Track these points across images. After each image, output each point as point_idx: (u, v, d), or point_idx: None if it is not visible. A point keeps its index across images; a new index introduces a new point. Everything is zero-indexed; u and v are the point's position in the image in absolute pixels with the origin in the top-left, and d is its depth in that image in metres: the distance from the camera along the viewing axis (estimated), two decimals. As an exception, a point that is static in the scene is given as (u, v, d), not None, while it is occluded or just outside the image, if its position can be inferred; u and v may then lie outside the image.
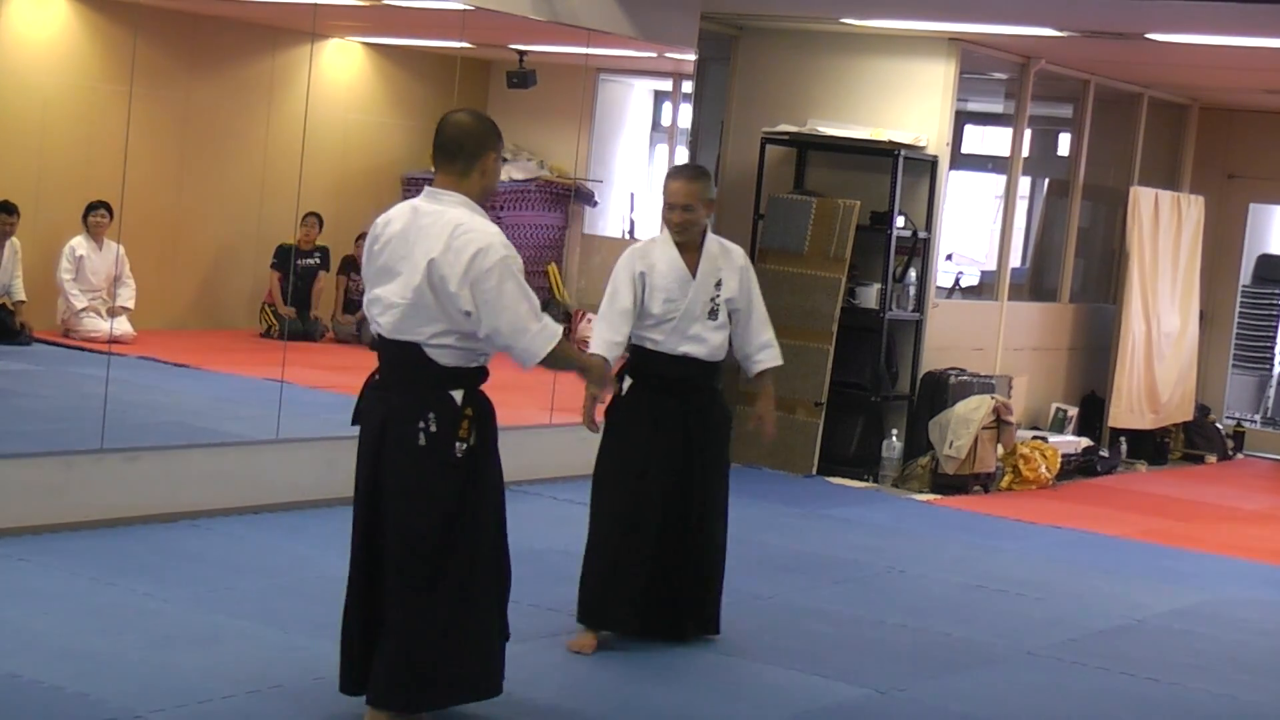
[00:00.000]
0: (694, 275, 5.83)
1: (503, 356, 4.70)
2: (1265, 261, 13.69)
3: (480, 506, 4.64)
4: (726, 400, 6.23)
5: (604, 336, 5.74)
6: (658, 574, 5.79)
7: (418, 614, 4.56)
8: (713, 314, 5.85)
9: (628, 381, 5.86)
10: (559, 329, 4.63)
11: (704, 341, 5.85)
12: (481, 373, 4.67)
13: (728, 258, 5.95)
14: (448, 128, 4.66)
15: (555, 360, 4.63)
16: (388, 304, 4.59)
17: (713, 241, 5.94)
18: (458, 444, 4.55)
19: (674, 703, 5.26)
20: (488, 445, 4.67)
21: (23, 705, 4.61)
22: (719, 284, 5.88)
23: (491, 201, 4.89)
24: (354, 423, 4.83)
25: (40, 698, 4.67)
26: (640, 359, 5.86)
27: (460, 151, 4.62)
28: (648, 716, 5.11)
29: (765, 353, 6.04)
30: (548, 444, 8.74)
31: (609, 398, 5.71)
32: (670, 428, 5.81)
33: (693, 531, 5.85)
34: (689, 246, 5.87)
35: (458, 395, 4.58)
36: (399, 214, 4.67)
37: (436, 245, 4.50)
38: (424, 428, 4.55)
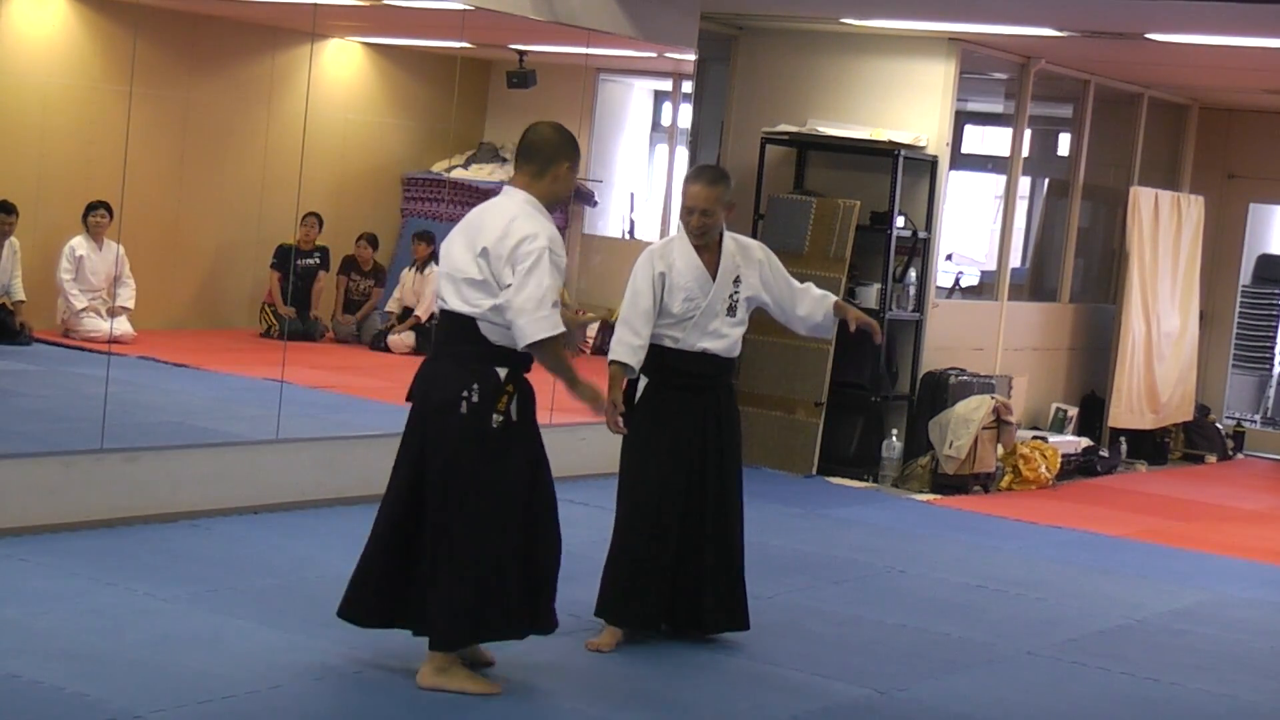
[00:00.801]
0: (714, 275, 5.84)
1: None
2: (1265, 261, 13.69)
3: (509, 477, 5.05)
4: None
5: (626, 340, 5.74)
6: (681, 569, 5.82)
7: (444, 562, 5.01)
8: (731, 310, 5.86)
9: (643, 380, 5.85)
10: (561, 328, 4.98)
11: (723, 337, 5.87)
12: (528, 356, 5.06)
13: (745, 254, 5.95)
14: (531, 133, 5.19)
15: (544, 353, 5.01)
16: (449, 278, 5.06)
17: (729, 240, 5.94)
18: (495, 415, 5.00)
19: (673, 702, 5.26)
20: (525, 423, 5.12)
21: (23, 705, 4.61)
22: (737, 280, 5.89)
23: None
24: (408, 399, 5.23)
25: (40, 698, 4.67)
26: (658, 356, 5.83)
27: (537, 156, 5.15)
28: (647, 716, 5.11)
29: (821, 302, 6.00)
30: (547, 444, 8.72)
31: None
32: (689, 424, 5.82)
33: (713, 525, 5.87)
34: (708, 247, 5.88)
35: (502, 371, 5.03)
36: (475, 209, 5.20)
37: (494, 231, 5.01)
38: (466, 397, 4.99)
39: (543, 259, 4.93)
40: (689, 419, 5.83)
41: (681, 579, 5.85)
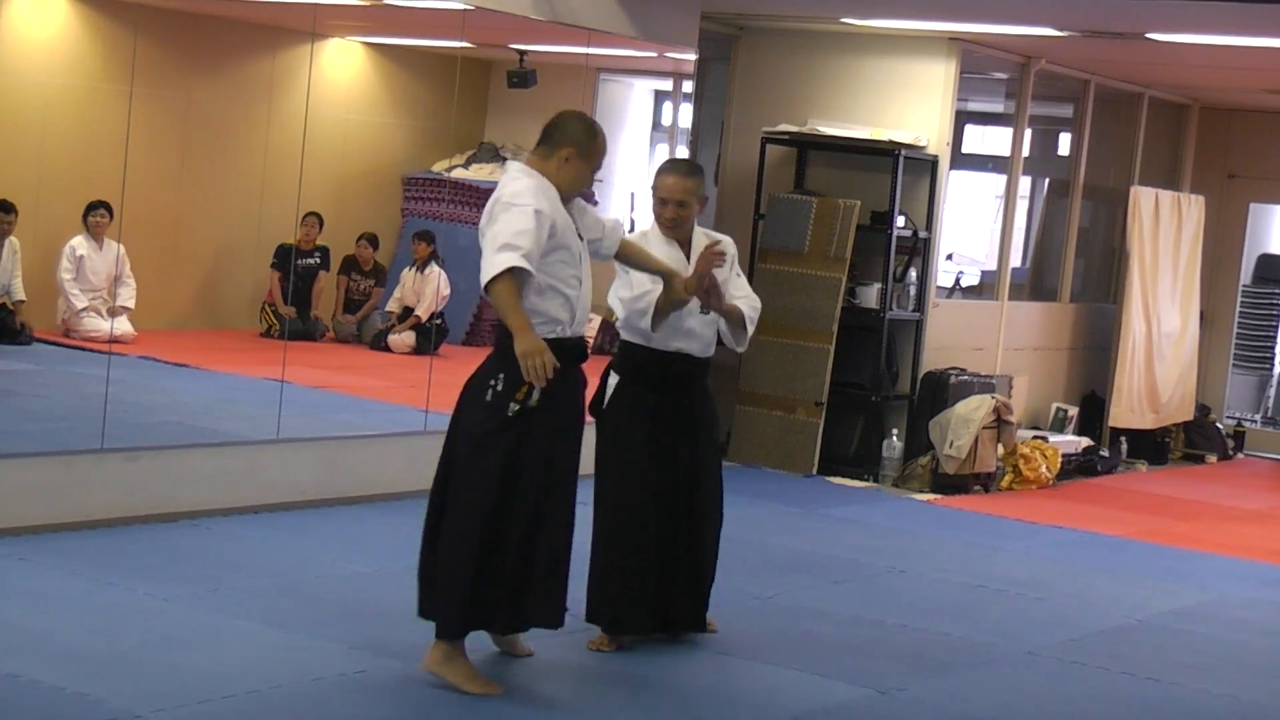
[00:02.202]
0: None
1: None
2: (1265, 261, 13.69)
3: (515, 470, 5.03)
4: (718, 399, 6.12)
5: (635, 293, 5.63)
6: (660, 573, 5.75)
7: (441, 548, 5.10)
8: (704, 308, 5.70)
9: (614, 379, 5.77)
10: (504, 263, 4.89)
11: (697, 337, 5.78)
12: (559, 344, 5.03)
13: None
14: (553, 116, 5.28)
15: (493, 296, 4.94)
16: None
17: (699, 234, 5.83)
18: (512, 405, 5.00)
19: (673, 702, 5.26)
20: (553, 415, 5.06)
21: (23, 705, 4.61)
22: None
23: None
24: None
25: (40, 698, 4.67)
26: (632, 355, 5.75)
27: (547, 138, 5.22)
28: (647, 716, 5.11)
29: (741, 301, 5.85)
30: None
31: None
32: (666, 426, 5.73)
33: (691, 529, 5.80)
34: (680, 242, 5.78)
35: None
36: None
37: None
38: (493, 385, 5.05)
39: (500, 207, 4.99)
40: (666, 421, 5.73)
41: (661, 586, 5.74)
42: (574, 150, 5.19)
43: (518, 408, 5.00)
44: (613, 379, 5.78)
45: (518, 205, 4.98)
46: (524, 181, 5.08)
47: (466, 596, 5.06)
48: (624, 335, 5.79)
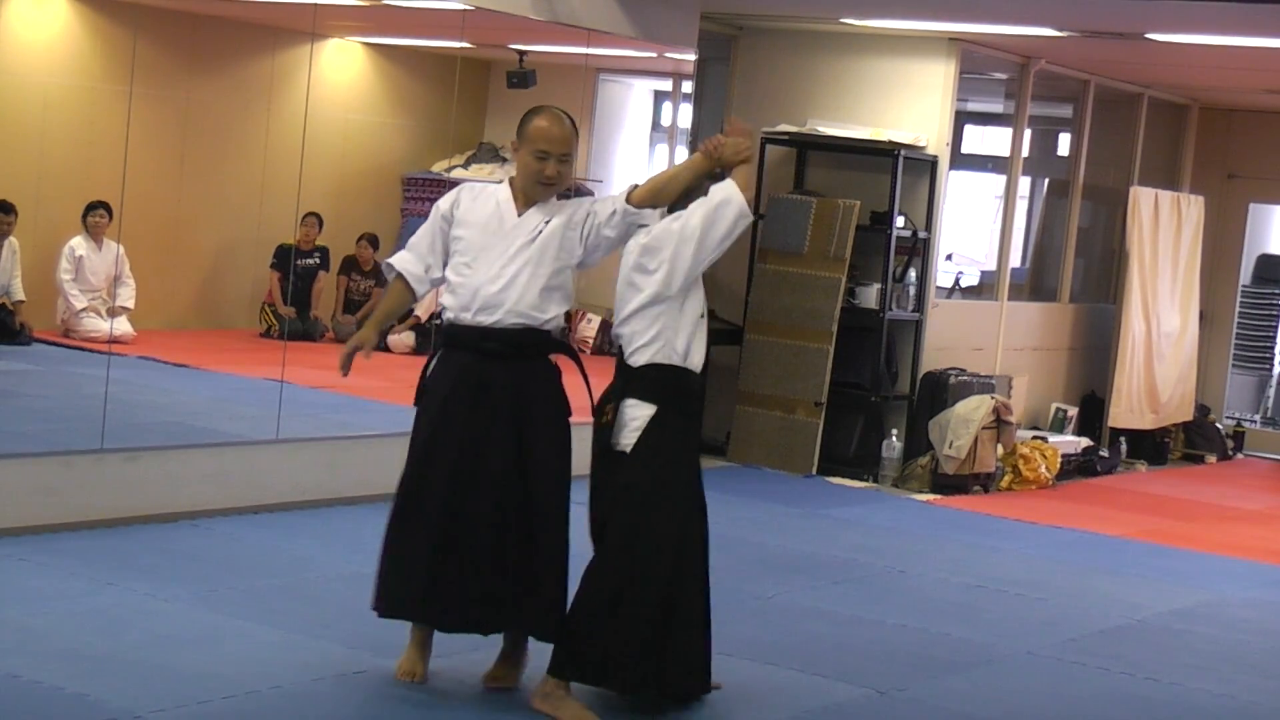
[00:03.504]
0: None
1: None
2: (1265, 261, 13.69)
3: (420, 453, 5.02)
4: (706, 400, 5.70)
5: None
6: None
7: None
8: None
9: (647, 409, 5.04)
10: (394, 263, 5.26)
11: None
12: (451, 328, 5.09)
13: None
14: None
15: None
16: None
17: None
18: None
19: (673, 702, 5.24)
20: (449, 404, 5.01)
21: (23, 705, 4.61)
22: None
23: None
24: None
25: (40, 698, 4.67)
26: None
27: None
28: (648, 715, 5.11)
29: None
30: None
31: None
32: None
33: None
34: None
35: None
36: None
37: None
38: None
39: None
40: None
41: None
42: (515, 141, 5.22)
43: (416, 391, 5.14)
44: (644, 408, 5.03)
45: (438, 207, 5.27)
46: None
47: (381, 573, 5.06)
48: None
